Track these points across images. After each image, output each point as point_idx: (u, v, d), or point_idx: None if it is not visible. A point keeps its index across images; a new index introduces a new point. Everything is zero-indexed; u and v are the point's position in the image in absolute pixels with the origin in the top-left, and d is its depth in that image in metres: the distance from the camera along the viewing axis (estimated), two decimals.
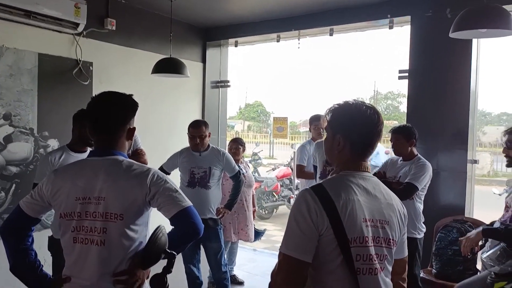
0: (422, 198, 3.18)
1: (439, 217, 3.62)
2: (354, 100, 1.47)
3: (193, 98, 5.48)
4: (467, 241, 2.40)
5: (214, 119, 5.75)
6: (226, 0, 4.46)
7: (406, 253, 1.56)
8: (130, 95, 1.75)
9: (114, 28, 4.28)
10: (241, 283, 4.38)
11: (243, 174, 3.77)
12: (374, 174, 3.38)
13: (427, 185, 3.15)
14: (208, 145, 3.55)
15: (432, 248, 3.47)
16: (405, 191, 2.99)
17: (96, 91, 4.16)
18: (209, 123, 5.54)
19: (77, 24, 3.83)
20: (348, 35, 5.00)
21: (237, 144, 4.23)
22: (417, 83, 4.11)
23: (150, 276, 1.40)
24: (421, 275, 3.33)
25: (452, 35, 2.78)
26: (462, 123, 3.83)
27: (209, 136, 3.53)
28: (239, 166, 3.75)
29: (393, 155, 3.37)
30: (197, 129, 3.43)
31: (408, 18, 4.13)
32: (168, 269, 1.03)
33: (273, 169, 9.20)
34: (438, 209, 3.84)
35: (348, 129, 1.43)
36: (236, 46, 5.64)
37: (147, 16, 4.68)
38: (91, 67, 4.16)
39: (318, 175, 3.79)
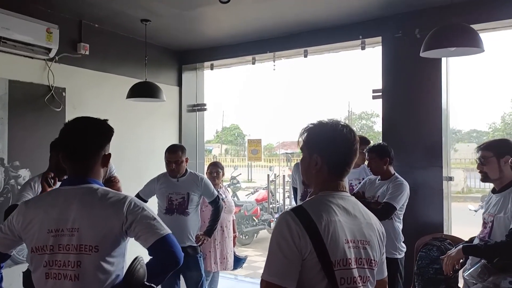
0: (401, 217, 3.19)
1: (418, 235, 3.64)
2: (328, 119, 1.47)
3: (169, 122, 5.41)
4: (449, 259, 2.41)
5: (192, 143, 5.69)
6: (200, 23, 4.47)
7: (386, 274, 1.55)
8: (105, 120, 1.70)
9: (87, 52, 4.22)
10: None
11: (222, 199, 3.72)
12: (353, 194, 3.40)
13: (405, 204, 3.17)
14: (186, 170, 3.50)
15: (414, 267, 3.47)
16: (384, 211, 3.00)
17: (69, 117, 4.05)
18: (186, 147, 5.48)
19: (49, 49, 3.75)
20: (322, 56, 5.09)
21: (217, 168, 4.18)
22: (391, 102, 4.18)
23: None
24: None
25: (422, 54, 2.85)
26: (435, 141, 3.90)
27: (186, 161, 3.48)
28: (218, 191, 3.70)
29: None
30: (173, 154, 3.38)
31: (379, 39, 4.23)
32: None
33: (252, 193, 9.14)
34: (417, 227, 3.86)
35: (325, 149, 1.42)
36: (212, 69, 5.64)
37: (121, 40, 4.65)
38: (64, 93, 4.07)
39: (299, 197, 3.77)
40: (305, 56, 4.92)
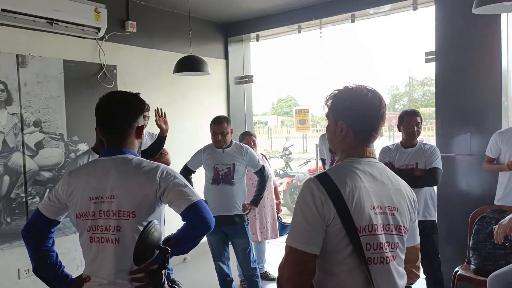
0: None
1: (472, 207, 3.45)
2: (354, 84, 1.41)
3: (217, 95, 5.49)
4: (500, 228, 2.27)
5: (240, 115, 5.75)
6: None
7: (418, 240, 1.51)
8: (137, 94, 1.76)
9: (135, 30, 4.35)
10: (274, 279, 4.36)
11: None
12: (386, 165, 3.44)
13: None
14: (231, 141, 3.54)
15: (469, 242, 3.31)
16: (435, 177, 2.99)
17: None
18: (235, 119, 5.59)
19: (99, 29, 3.91)
20: (371, 21, 4.85)
21: (251, 137, 4.21)
22: (445, 65, 3.93)
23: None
24: (459, 272, 3.21)
25: (474, 11, 2.63)
26: (494, 104, 3.63)
27: (231, 132, 3.52)
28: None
29: None
30: (218, 125, 3.43)
31: None
32: (163, 264, 1.02)
33: (305, 163, 9.10)
34: (472, 198, 3.68)
35: (350, 115, 1.37)
36: (257, 40, 5.60)
37: (166, 16, 4.72)
38: (115, 70, 4.24)
39: (327, 167, 3.73)
40: (352, 21, 4.73)
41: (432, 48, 4.03)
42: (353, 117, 1.37)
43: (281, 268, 1.32)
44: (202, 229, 1.61)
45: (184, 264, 4.91)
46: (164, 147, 3.89)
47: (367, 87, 1.39)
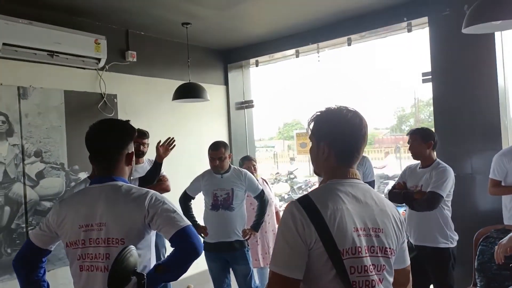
0: (449, 204, 3.00)
1: (477, 226, 3.37)
2: (336, 105, 1.41)
3: (218, 120, 5.53)
4: (499, 247, 2.22)
5: (242, 140, 5.77)
6: (240, 21, 4.51)
7: (408, 262, 1.47)
8: (127, 121, 1.78)
9: (135, 59, 4.43)
10: None
11: None
12: (394, 186, 3.23)
13: (452, 190, 2.98)
14: (230, 166, 3.55)
15: (474, 263, 3.22)
16: (430, 201, 2.84)
17: None
18: (236, 144, 5.60)
19: (99, 59, 3.99)
20: (367, 44, 4.91)
21: (252, 162, 4.22)
22: (441, 85, 3.94)
23: None
24: None
25: (464, 31, 2.66)
26: (493, 123, 3.62)
27: (229, 157, 3.53)
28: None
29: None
30: (216, 150, 3.44)
31: (426, 19, 4.00)
32: None
33: (310, 187, 9.06)
34: (475, 217, 3.61)
35: (331, 136, 1.37)
36: (257, 66, 5.68)
37: (165, 45, 4.82)
38: (115, 99, 4.31)
39: None
40: (349, 44, 4.79)
41: (429, 68, 4.06)
42: (334, 138, 1.37)
43: None
44: (191, 255, 1.60)
45: None
46: (164, 173, 3.91)
47: (348, 108, 1.39)
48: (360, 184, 1.39)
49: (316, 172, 1.49)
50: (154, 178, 3.38)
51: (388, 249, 1.33)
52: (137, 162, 3.85)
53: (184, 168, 4.65)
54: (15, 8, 3.44)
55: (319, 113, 1.43)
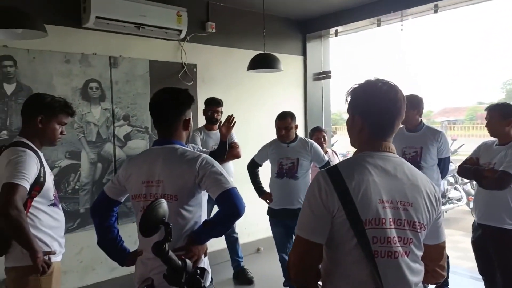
0: None
1: None
2: (375, 78, 1.41)
3: (294, 91, 5.57)
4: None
5: (318, 111, 5.77)
6: None
7: (443, 239, 1.46)
8: (186, 89, 1.95)
9: (214, 30, 4.62)
10: None
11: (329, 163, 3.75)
12: (466, 160, 3.08)
13: None
14: (296, 136, 3.62)
15: None
16: (500, 181, 2.67)
17: (200, 90, 4.57)
18: (312, 115, 5.62)
19: (180, 31, 4.23)
20: (457, 10, 4.55)
21: (322, 133, 4.23)
22: None
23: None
24: None
25: None
26: None
27: (296, 127, 3.60)
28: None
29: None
30: (282, 120, 3.53)
31: None
32: (166, 237, 1.16)
33: None
34: None
35: (365, 109, 1.39)
36: (336, 35, 5.58)
37: (243, 15, 4.92)
38: (195, 69, 4.56)
39: None
40: (436, 11, 4.49)
41: None
42: (367, 111, 1.38)
43: (290, 253, 1.39)
44: (232, 215, 1.75)
45: (258, 254, 5.11)
46: (236, 140, 4.11)
47: (383, 81, 1.39)
48: (393, 157, 1.39)
49: (352, 144, 1.52)
50: (223, 154, 3.58)
51: (417, 223, 1.34)
52: (211, 129, 4.10)
53: (257, 136, 4.79)
54: None
55: (356, 86, 1.45)
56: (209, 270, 1.95)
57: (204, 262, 1.90)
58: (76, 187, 3.83)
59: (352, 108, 1.44)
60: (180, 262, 1.22)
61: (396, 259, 1.30)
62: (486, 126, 2.97)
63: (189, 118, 1.93)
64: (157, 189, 1.84)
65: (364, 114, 1.39)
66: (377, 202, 1.30)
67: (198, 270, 1.25)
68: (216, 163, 1.84)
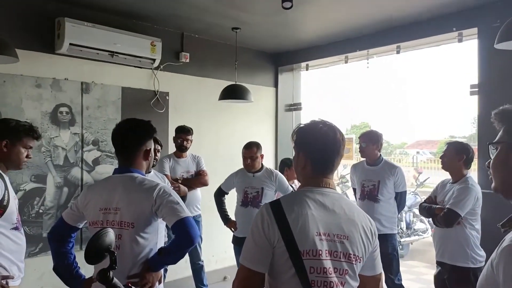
0: (474, 223, 2.92)
1: None
2: (319, 119, 1.54)
3: (266, 121, 5.71)
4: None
5: (288, 142, 5.89)
6: (289, 28, 4.64)
7: (380, 271, 1.55)
8: (148, 121, 2.04)
9: (188, 60, 4.76)
10: None
11: None
12: (426, 199, 3.24)
13: (477, 209, 2.91)
14: (262, 166, 3.73)
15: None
16: (446, 218, 2.82)
17: (171, 117, 4.66)
18: (281, 145, 5.74)
19: (153, 60, 4.35)
20: (417, 52, 4.83)
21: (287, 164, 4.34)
22: (487, 99, 3.81)
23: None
24: None
25: (497, 46, 2.60)
26: None
27: (261, 157, 3.72)
28: (292, 186, 3.85)
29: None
30: (248, 150, 3.65)
31: (475, 30, 3.89)
32: (111, 265, 1.22)
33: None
34: None
35: (307, 147, 1.50)
36: (307, 69, 5.80)
37: (217, 47, 5.08)
38: (167, 97, 4.66)
39: (358, 196, 3.74)
40: (398, 52, 4.75)
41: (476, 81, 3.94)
42: (309, 150, 1.50)
43: (234, 280, 1.47)
44: (187, 243, 1.82)
45: (224, 282, 5.10)
46: (205, 168, 4.19)
47: (325, 122, 1.52)
48: (332, 193, 1.50)
49: (297, 179, 1.63)
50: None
51: (352, 255, 1.43)
52: (180, 156, 4.17)
53: (226, 165, 4.86)
54: (80, 12, 3.88)
55: (302, 126, 1.57)
56: None
57: None
58: (40, 211, 3.80)
59: (297, 146, 1.55)
60: None
61: None
62: (440, 158, 3.15)
63: (150, 149, 2.01)
64: (115, 216, 1.90)
65: (306, 152, 1.51)
66: (314, 234, 1.39)
67: None
68: (173, 192, 1.92)
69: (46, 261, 3.76)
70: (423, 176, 9.46)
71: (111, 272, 1.20)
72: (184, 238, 1.81)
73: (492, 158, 1.18)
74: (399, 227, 7.55)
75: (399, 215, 7.56)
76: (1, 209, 2.14)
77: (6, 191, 2.18)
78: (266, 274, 1.44)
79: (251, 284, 1.41)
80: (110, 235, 1.22)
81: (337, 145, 1.49)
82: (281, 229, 1.38)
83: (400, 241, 7.36)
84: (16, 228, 2.25)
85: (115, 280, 1.24)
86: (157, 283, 1.91)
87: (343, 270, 1.42)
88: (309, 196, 1.46)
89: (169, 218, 1.83)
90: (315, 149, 1.49)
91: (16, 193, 2.46)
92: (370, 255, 1.51)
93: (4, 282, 2.11)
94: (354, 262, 1.44)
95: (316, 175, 1.51)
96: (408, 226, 7.58)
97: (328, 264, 1.39)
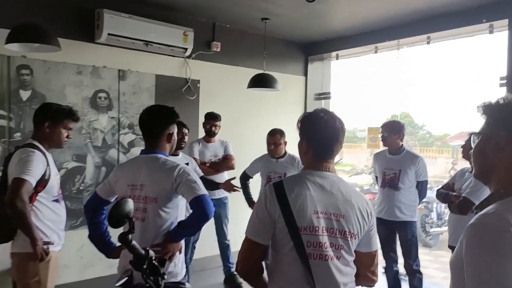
0: None
1: None
2: (321, 108, 1.69)
3: (295, 110, 5.79)
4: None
5: None
6: (318, 19, 4.71)
7: (376, 248, 1.69)
8: (172, 107, 2.24)
9: (218, 49, 4.94)
10: None
11: None
12: (443, 185, 3.30)
13: None
14: (285, 152, 3.88)
15: None
16: (461, 206, 2.88)
17: (202, 104, 4.87)
18: None
19: (185, 49, 4.56)
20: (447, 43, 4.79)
21: None
22: None
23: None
24: None
25: None
26: None
27: (285, 144, 3.87)
28: None
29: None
30: (272, 136, 3.81)
31: (506, 21, 3.84)
32: (130, 229, 1.42)
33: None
34: None
35: (309, 134, 1.65)
36: (337, 59, 5.85)
37: (247, 37, 5.23)
38: (198, 84, 4.88)
39: (379, 184, 3.82)
40: (428, 42, 4.74)
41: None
42: (311, 137, 1.65)
43: (239, 251, 1.65)
44: (201, 218, 2.02)
45: None
46: (232, 153, 4.39)
47: (325, 111, 1.66)
48: (331, 176, 1.64)
49: (302, 163, 1.78)
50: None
51: (347, 233, 1.58)
52: (209, 141, 4.39)
53: (252, 151, 5.05)
54: (118, 4, 4.12)
55: (306, 114, 1.71)
56: (184, 265, 2.22)
57: (179, 259, 2.17)
58: (81, 187, 4.14)
59: (300, 134, 1.70)
60: (143, 251, 1.48)
61: (326, 261, 1.54)
62: (461, 147, 3.21)
63: (173, 132, 2.22)
64: (140, 191, 2.12)
65: (308, 140, 1.66)
66: (312, 212, 1.55)
67: (157, 259, 1.50)
68: (192, 172, 2.12)
69: (86, 233, 4.08)
70: (459, 168, 9.28)
71: (130, 235, 1.41)
72: (200, 213, 2.02)
73: (473, 147, 1.27)
74: (429, 217, 7.51)
75: (429, 206, 7.55)
76: (43, 183, 2.42)
77: (48, 167, 2.46)
78: (270, 248, 1.61)
79: (253, 253, 1.59)
80: (129, 204, 1.42)
81: (337, 133, 1.63)
82: (281, 206, 1.54)
83: (429, 231, 7.35)
84: (56, 201, 2.54)
85: (134, 242, 1.44)
86: (177, 253, 2.13)
87: (338, 245, 1.57)
88: (309, 179, 1.61)
89: (187, 195, 2.04)
90: (317, 136, 1.64)
91: (59, 171, 2.76)
92: (366, 233, 1.64)
93: (45, 247, 2.39)
94: (349, 239, 1.58)
95: (317, 160, 1.65)
96: (439, 217, 7.53)
97: (324, 239, 1.54)
